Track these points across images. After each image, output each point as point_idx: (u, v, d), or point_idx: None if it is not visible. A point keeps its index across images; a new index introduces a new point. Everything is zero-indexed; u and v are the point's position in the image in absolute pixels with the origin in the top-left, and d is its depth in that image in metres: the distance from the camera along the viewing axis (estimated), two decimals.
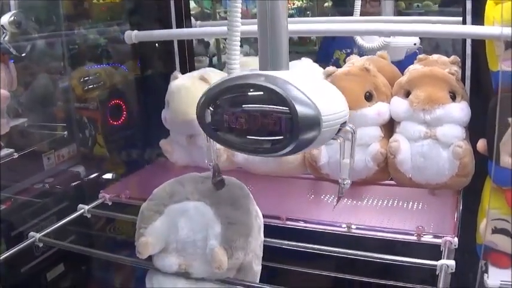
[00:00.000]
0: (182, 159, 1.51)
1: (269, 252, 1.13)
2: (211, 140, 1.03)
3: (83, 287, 1.82)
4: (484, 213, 1.10)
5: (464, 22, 1.26)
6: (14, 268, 1.51)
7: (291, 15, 3.03)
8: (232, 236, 1.03)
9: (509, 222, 1.07)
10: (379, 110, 1.27)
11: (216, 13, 3.10)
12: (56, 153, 1.71)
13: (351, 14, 1.52)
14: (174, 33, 1.63)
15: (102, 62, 1.86)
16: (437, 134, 1.22)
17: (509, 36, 0.96)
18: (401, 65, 1.47)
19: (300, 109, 0.83)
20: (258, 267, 1.10)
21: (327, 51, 2.35)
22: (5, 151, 1.42)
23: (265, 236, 1.12)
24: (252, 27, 0.95)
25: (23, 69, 1.56)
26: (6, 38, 1.12)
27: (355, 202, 1.26)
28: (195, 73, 1.44)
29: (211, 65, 2.60)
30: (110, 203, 1.40)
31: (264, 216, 1.13)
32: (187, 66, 1.72)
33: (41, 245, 1.25)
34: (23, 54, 1.22)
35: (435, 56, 1.43)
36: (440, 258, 1.04)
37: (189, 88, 1.38)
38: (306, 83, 0.87)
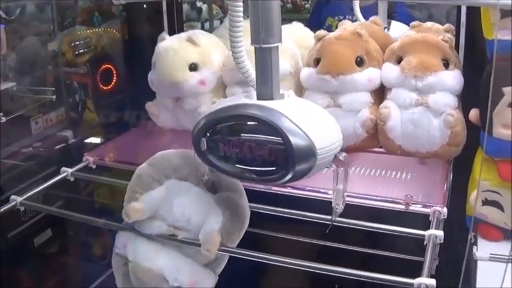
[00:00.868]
0: (168, 123, 1.45)
1: (253, 218, 1.08)
2: None
3: (71, 253, 1.80)
4: (475, 184, 1.06)
5: None
6: (0, 233, 1.50)
7: None
8: (231, 229, 1.00)
9: (500, 194, 1.04)
10: (369, 75, 1.22)
11: None
12: (44, 118, 1.68)
13: None
14: None
15: (92, 26, 1.81)
16: (428, 102, 1.17)
17: (506, 5, 0.91)
18: None
19: (295, 141, 0.82)
20: None
21: (319, 17, 2.28)
22: None
23: (249, 201, 1.08)
24: None
25: (12, 33, 1.54)
26: None
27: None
28: (182, 35, 1.38)
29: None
30: (93, 166, 1.35)
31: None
32: (176, 29, 1.67)
33: (22, 208, 1.20)
34: (12, 17, 1.18)
35: (429, 24, 1.39)
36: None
37: (176, 50, 1.32)
38: (301, 114, 0.85)
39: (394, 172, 1.21)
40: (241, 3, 0.90)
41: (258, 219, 1.10)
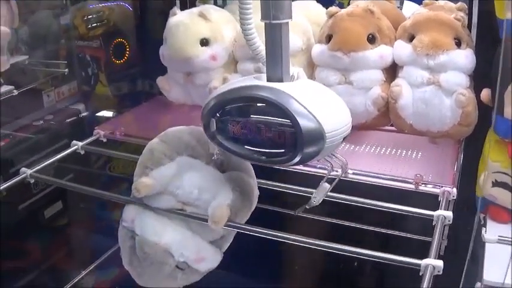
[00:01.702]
0: (179, 97, 1.43)
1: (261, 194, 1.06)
2: None
3: (81, 225, 1.80)
4: (485, 165, 1.05)
5: None
6: (11, 205, 1.49)
7: None
8: (240, 206, 0.98)
9: (510, 176, 1.01)
10: (381, 52, 1.20)
11: None
12: (56, 91, 1.67)
13: None
14: None
15: (105, 0, 1.79)
16: (440, 81, 1.15)
17: None
18: None
19: (303, 124, 0.80)
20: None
21: None
22: (5, 88, 1.39)
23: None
24: None
25: (24, 6, 1.51)
26: None
27: (353, 147, 1.21)
28: (194, 9, 1.35)
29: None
30: (104, 140, 1.34)
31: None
32: (188, 4, 1.63)
33: (32, 181, 1.18)
34: None
35: (441, 2, 1.34)
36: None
37: (187, 25, 1.29)
38: (310, 97, 0.83)
39: (404, 151, 1.19)
40: None
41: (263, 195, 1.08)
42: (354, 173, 1.09)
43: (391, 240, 1.37)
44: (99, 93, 1.79)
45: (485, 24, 1.20)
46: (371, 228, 1.34)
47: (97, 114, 1.76)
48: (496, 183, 1.03)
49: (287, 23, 0.83)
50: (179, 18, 1.32)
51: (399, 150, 1.19)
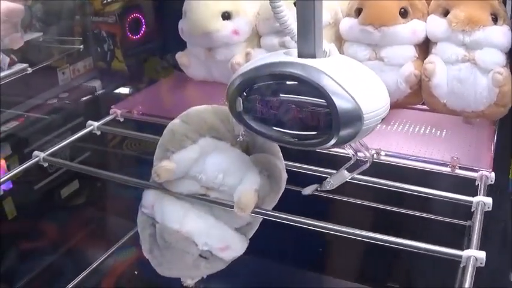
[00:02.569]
0: (199, 74, 1.37)
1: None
2: None
3: (98, 205, 1.76)
4: None
5: None
6: (26, 186, 1.46)
7: None
8: (268, 191, 0.90)
9: None
10: (414, 27, 1.12)
11: None
12: (71, 68, 1.61)
13: None
14: None
15: None
16: (476, 58, 1.08)
17: None
18: None
19: (340, 104, 0.72)
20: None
21: None
22: (19, 66, 1.30)
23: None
24: None
25: None
26: None
27: (384, 126, 1.13)
28: None
29: None
30: (121, 120, 1.26)
31: None
32: None
33: (45, 164, 1.11)
34: None
35: None
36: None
37: None
38: (346, 75, 0.75)
39: (437, 132, 1.11)
40: None
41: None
42: (386, 155, 1.02)
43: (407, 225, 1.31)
44: (115, 70, 1.72)
45: None
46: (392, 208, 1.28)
47: (114, 91, 1.70)
48: None
49: None
50: None
51: (432, 131, 1.12)
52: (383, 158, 1.01)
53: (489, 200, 0.90)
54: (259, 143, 0.93)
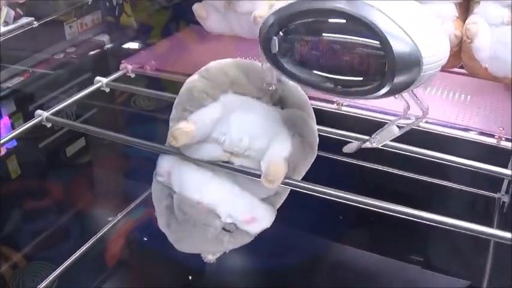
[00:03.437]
0: (218, 27, 1.28)
1: None
2: None
3: (105, 163, 1.67)
4: None
5: None
6: (31, 144, 1.41)
7: None
8: (300, 158, 0.80)
9: None
10: None
11: None
12: (78, 22, 1.52)
13: None
14: None
15: None
16: None
17: None
18: None
19: (396, 46, 0.62)
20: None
21: None
22: (25, 19, 1.30)
23: None
24: None
25: None
26: None
27: (420, 90, 1.01)
28: None
29: None
30: (132, 75, 1.16)
31: (313, 99, 0.88)
32: None
33: (49, 125, 1.01)
34: None
35: None
36: None
37: None
38: (403, 13, 0.64)
39: (478, 98, 1.01)
40: None
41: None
42: (426, 122, 0.91)
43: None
44: (123, 24, 1.63)
45: None
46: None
47: (122, 46, 1.61)
48: None
49: None
50: None
51: (472, 97, 1.02)
52: (423, 126, 0.91)
53: None
54: (290, 97, 0.83)
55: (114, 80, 1.13)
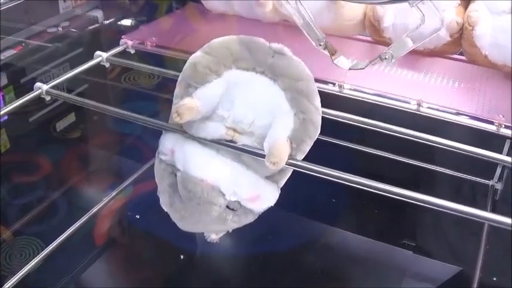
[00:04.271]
0: (219, 5, 1.23)
1: None
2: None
3: (96, 138, 1.68)
4: None
5: None
6: (21, 117, 1.40)
7: None
8: (303, 136, 0.80)
9: None
10: None
11: None
12: None
13: None
14: None
15: None
16: None
17: None
18: None
19: None
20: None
21: None
22: None
23: None
24: None
25: None
26: None
27: (422, 76, 1.02)
28: None
29: None
30: (132, 51, 1.13)
31: (316, 80, 0.86)
32: None
33: (48, 98, 1.00)
34: None
35: None
36: None
37: None
38: None
39: (478, 85, 1.01)
40: None
41: None
42: (428, 107, 0.91)
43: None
44: (119, 1, 1.61)
45: None
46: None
47: (117, 23, 1.59)
48: None
49: None
50: None
51: (473, 84, 1.02)
52: (423, 111, 0.91)
53: None
54: (294, 73, 0.83)
55: (114, 56, 1.11)
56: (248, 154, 0.82)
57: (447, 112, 0.91)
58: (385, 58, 0.77)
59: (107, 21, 1.55)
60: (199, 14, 1.28)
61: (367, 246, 1.38)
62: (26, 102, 0.97)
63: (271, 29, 1.13)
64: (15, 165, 1.41)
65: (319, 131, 0.83)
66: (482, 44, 1.02)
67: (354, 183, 0.76)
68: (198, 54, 0.85)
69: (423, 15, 0.70)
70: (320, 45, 0.83)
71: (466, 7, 1.05)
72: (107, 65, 1.09)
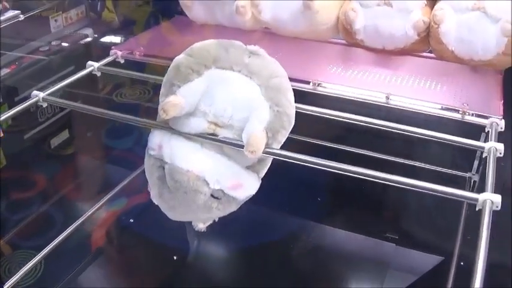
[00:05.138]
0: (202, 16, 1.30)
1: None
2: None
3: (89, 154, 1.73)
4: None
5: None
6: (16, 135, 1.43)
7: None
8: (278, 127, 0.86)
9: None
10: None
11: None
12: (63, 16, 1.55)
13: None
14: None
15: None
16: (486, 7, 1.05)
17: None
18: None
19: None
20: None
21: None
22: (11, 13, 1.31)
23: None
24: None
25: None
26: None
27: (392, 72, 1.09)
28: None
29: None
30: (122, 61, 1.20)
31: (292, 80, 0.93)
32: None
33: (45, 105, 1.05)
34: None
35: None
36: None
37: None
38: None
39: (445, 79, 1.08)
40: None
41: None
42: (399, 101, 0.99)
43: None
44: (105, 20, 1.68)
45: None
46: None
47: (106, 40, 1.65)
48: None
49: None
50: None
51: (440, 78, 1.08)
52: (392, 103, 0.98)
53: (501, 146, 0.87)
54: (269, 70, 0.90)
55: (105, 65, 1.16)
56: (229, 145, 0.88)
57: (414, 103, 0.98)
58: None
59: (96, 40, 1.61)
60: (184, 25, 1.35)
61: (350, 240, 1.42)
62: (24, 109, 1.02)
63: (251, 36, 1.20)
64: (11, 182, 1.43)
65: (293, 123, 0.89)
66: (448, 40, 1.09)
67: (330, 168, 0.82)
68: (180, 56, 0.92)
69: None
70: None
71: (432, 7, 1.11)
72: (99, 73, 1.14)
